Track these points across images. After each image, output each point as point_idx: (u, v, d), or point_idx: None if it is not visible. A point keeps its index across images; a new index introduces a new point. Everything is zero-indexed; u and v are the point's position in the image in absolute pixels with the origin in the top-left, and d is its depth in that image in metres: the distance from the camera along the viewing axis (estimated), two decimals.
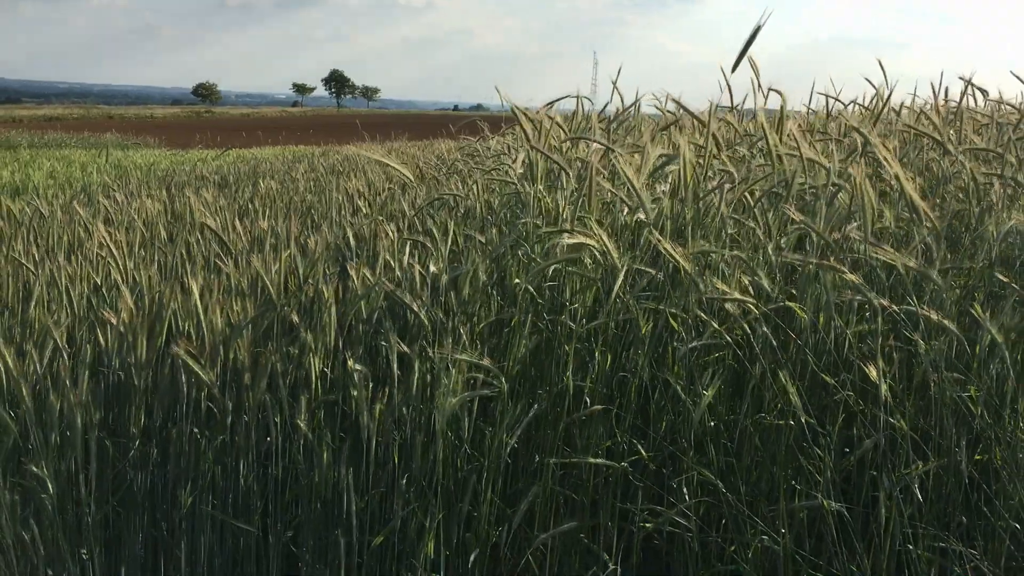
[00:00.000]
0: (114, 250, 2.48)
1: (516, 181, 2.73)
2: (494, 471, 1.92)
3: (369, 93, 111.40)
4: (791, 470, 1.94)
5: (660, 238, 1.76)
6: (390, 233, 2.62)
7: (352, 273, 2.11)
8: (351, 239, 2.97)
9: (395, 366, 1.84)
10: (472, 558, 1.90)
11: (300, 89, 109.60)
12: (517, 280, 2.37)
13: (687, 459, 1.94)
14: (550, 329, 2.06)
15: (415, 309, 1.97)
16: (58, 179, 11.54)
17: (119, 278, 2.46)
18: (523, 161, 3.05)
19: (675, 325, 1.92)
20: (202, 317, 1.95)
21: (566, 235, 1.88)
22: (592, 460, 1.93)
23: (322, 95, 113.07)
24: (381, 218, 3.10)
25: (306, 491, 1.92)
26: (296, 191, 5.67)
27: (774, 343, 1.94)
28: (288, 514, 1.99)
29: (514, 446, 1.95)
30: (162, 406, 2.02)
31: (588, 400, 2.12)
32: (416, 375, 1.88)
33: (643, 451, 2.05)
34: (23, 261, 2.79)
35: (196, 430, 1.99)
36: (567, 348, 2.10)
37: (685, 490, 2.01)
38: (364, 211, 3.83)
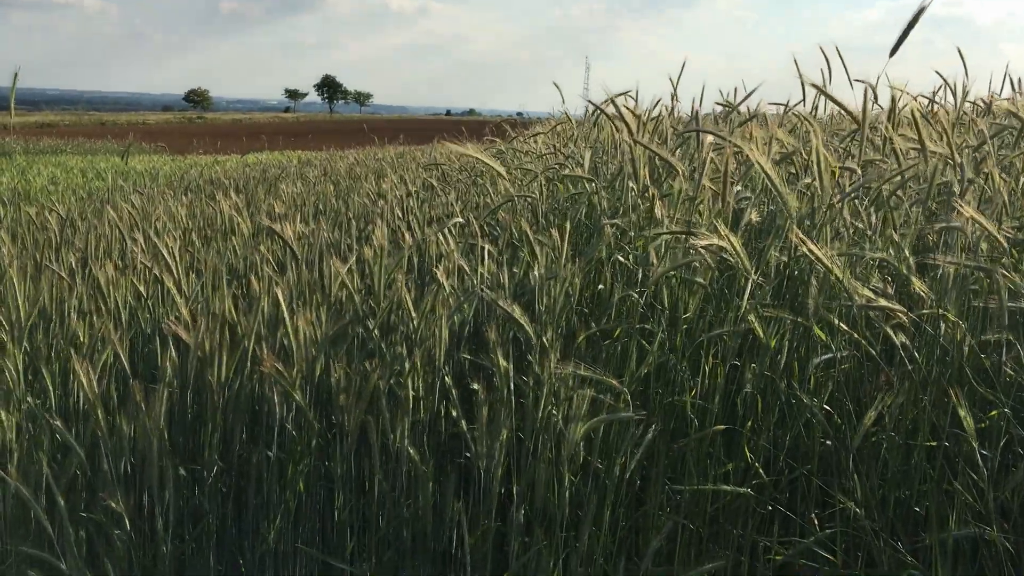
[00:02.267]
0: (167, 256, 2.28)
1: (592, 179, 2.55)
2: (612, 500, 1.73)
3: (362, 98, 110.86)
4: (944, 497, 1.75)
5: (804, 239, 1.57)
6: (448, 240, 2.44)
7: (442, 280, 1.92)
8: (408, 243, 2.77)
9: (510, 386, 1.65)
10: None
11: (292, 95, 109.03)
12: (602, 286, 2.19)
13: (829, 482, 1.76)
14: (668, 343, 1.87)
15: (522, 322, 1.77)
16: (60, 185, 11.33)
17: (172, 287, 2.25)
18: (589, 159, 2.88)
19: (822, 334, 1.74)
20: (289, 330, 1.75)
21: (693, 237, 1.69)
22: (726, 488, 1.74)
23: (314, 101, 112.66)
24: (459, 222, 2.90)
25: (408, 523, 1.73)
26: (322, 194, 5.47)
27: (915, 355, 1.76)
28: (386, 549, 1.79)
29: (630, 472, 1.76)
30: (241, 429, 1.82)
31: (695, 419, 1.94)
32: (531, 396, 1.69)
33: (764, 474, 1.86)
34: (58, 270, 2.59)
35: (281, 455, 1.79)
36: (683, 363, 1.92)
37: (815, 518, 1.83)
38: (411, 214, 3.62)
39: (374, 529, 1.75)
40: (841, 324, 1.74)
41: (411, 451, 1.66)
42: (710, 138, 1.94)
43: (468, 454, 2.04)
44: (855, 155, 2.30)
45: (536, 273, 1.87)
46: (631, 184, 2.10)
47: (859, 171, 1.93)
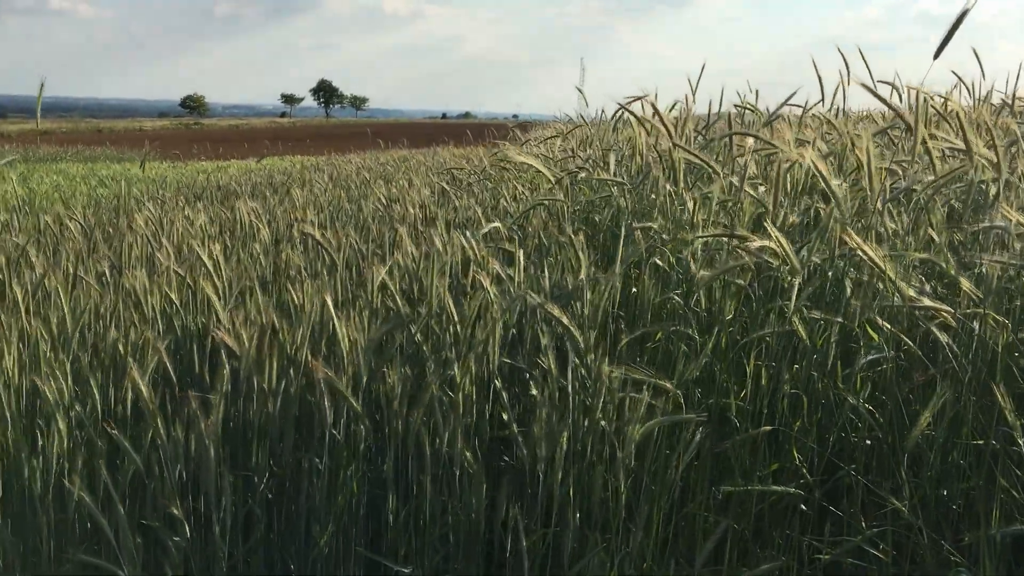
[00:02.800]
0: (208, 262, 2.29)
1: (622, 182, 2.57)
2: (665, 502, 1.75)
3: (358, 102, 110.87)
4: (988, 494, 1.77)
5: (858, 240, 1.59)
6: (475, 245, 2.45)
7: (486, 284, 1.93)
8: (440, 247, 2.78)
9: (571, 387, 1.66)
10: None
11: (288, 100, 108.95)
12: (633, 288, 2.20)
13: (873, 480, 1.77)
14: (716, 343, 1.88)
15: (570, 326, 1.78)
16: (63, 193, 11.32)
17: (212, 294, 2.26)
18: (615, 163, 2.90)
19: (875, 335, 1.75)
20: (340, 335, 1.76)
21: (744, 239, 1.70)
22: (776, 488, 1.76)
23: (310, 105, 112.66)
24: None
25: (461, 526, 1.74)
26: (335, 199, 5.47)
27: (956, 352, 1.77)
28: (436, 552, 1.80)
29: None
30: (291, 436, 1.84)
31: (737, 421, 1.96)
32: (577, 398, 1.70)
33: (808, 475, 1.88)
34: (89, 279, 2.60)
35: (331, 461, 1.80)
36: (724, 365, 1.93)
37: (862, 517, 1.84)
38: (434, 218, 3.63)
39: (425, 532, 1.77)
40: (885, 324, 1.76)
41: (467, 454, 1.67)
42: (750, 141, 1.96)
43: (507, 458, 2.06)
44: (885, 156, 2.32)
45: (582, 277, 1.88)
46: (668, 187, 2.11)
47: (901, 172, 1.94)
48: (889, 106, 1.89)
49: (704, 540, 1.88)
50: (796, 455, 1.82)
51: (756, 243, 1.66)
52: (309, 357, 1.77)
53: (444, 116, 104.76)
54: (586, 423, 1.65)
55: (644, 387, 1.61)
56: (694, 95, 3.20)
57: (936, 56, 1.65)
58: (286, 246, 3.42)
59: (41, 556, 1.81)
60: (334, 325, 1.77)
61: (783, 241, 1.71)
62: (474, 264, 2.37)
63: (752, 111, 3.28)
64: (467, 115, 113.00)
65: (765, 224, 1.72)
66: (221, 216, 4.52)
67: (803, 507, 1.90)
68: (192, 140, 28.49)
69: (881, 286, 1.74)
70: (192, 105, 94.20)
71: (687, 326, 1.92)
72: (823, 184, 1.71)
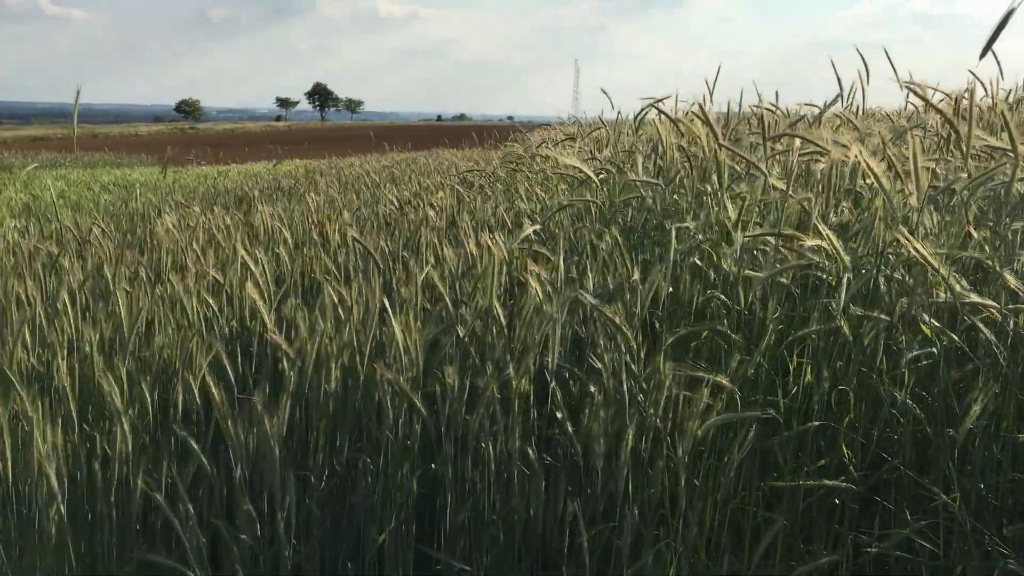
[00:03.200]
0: (253, 266, 2.32)
1: (656, 183, 2.60)
2: (720, 498, 1.78)
3: (353, 105, 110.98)
4: None
5: (910, 238, 1.62)
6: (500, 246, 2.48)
7: (535, 285, 1.96)
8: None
9: (627, 385, 1.69)
10: None
11: (284, 103, 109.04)
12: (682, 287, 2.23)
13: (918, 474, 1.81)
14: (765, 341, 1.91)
15: (622, 326, 1.82)
16: (67, 199, 11.34)
17: (257, 297, 2.29)
18: (642, 163, 2.93)
19: (927, 330, 1.78)
20: (397, 335, 1.79)
21: (797, 239, 1.74)
22: (828, 483, 1.79)
23: (305, 109, 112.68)
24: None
25: (520, 525, 1.77)
26: (349, 202, 5.50)
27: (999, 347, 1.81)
28: (492, 548, 1.83)
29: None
30: (347, 435, 1.87)
31: (780, 418, 1.99)
32: (630, 395, 1.73)
33: (854, 470, 1.91)
34: (123, 285, 2.63)
35: (388, 460, 1.83)
36: (767, 363, 1.97)
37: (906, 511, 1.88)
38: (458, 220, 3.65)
39: (484, 530, 1.80)
40: (932, 321, 1.79)
41: (530, 451, 1.70)
42: (797, 142, 1.99)
43: (547, 456, 2.08)
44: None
45: (635, 277, 1.91)
46: (708, 187, 2.15)
47: (943, 171, 1.98)
48: (935, 108, 1.93)
49: (752, 536, 1.92)
50: (845, 451, 1.85)
51: (810, 242, 1.69)
52: (367, 358, 1.80)
53: (439, 118, 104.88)
54: (645, 421, 1.68)
55: (702, 384, 1.64)
56: (711, 95, 3.24)
57: (982, 56, 1.68)
58: (311, 249, 3.45)
59: (104, 555, 1.84)
60: (391, 326, 1.80)
61: (834, 239, 1.75)
62: (517, 265, 2.40)
63: (773, 111, 3.31)
64: (462, 117, 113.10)
65: (816, 223, 1.75)
66: (240, 220, 4.55)
67: (847, 502, 1.94)
68: (189, 144, 28.49)
69: (930, 283, 1.78)
70: (187, 110, 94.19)
71: (730, 325, 1.96)
72: (873, 183, 1.74)
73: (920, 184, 1.71)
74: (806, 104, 3.27)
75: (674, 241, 1.92)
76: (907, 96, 3.14)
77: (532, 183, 5.06)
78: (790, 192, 1.94)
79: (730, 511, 1.91)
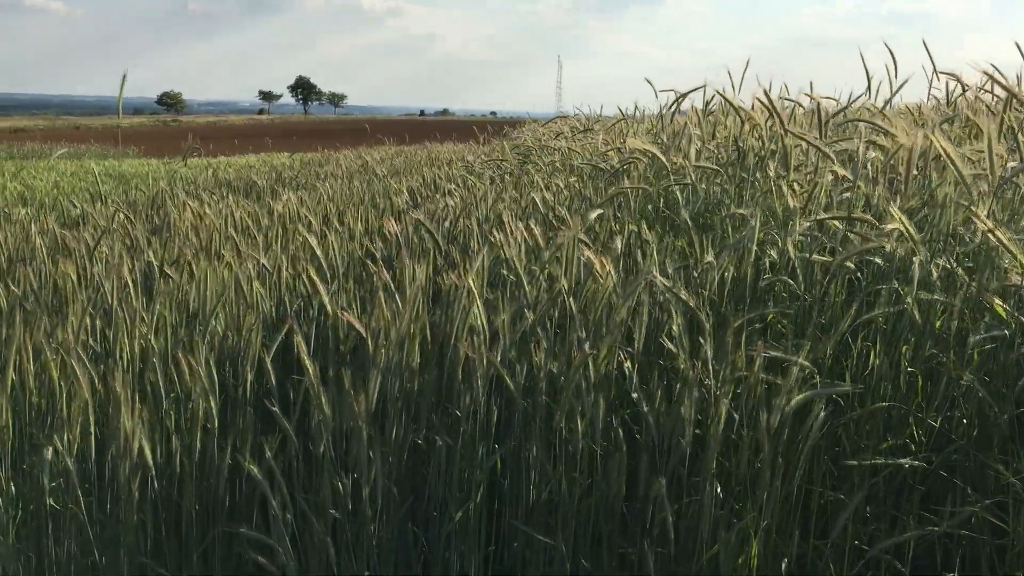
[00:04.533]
0: (314, 244, 2.34)
1: (718, 169, 2.63)
2: (797, 477, 1.81)
3: (336, 99, 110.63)
4: None
5: (987, 221, 1.67)
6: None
7: (609, 270, 1.99)
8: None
9: (712, 366, 1.72)
10: (784, 566, 1.79)
11: (267, 96, 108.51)
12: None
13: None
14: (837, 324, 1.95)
15: (697, 309, 1.85)
16: (62, 188, 11.26)
17: (315, 277, 2.31)
18: (696, 151, 2.95)
19: (1001, 310, 1.82)
20: (479, 316, 1.82)
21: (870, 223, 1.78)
22: (903, 461, 1.83)
23: (287, 102, 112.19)
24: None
25: (603, 500, 1.80)
26: (363, 192, 5.51)
27: None
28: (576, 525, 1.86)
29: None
30: (427, 413, 1.89)
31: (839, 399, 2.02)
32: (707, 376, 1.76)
33: (919, 450, 1.95)
34: (169, 272, 2.64)
35: (469, 439, 1.86)
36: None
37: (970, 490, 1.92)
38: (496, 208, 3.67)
39: (574, 508, 1.82)
40: (1000, 304, 1.83)
41: (620, 430, 1.73)
42: (862, 127, 2.03)
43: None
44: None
45: (709, 260, 1.95)
46: (771, 173, 2.19)
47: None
48: (1018, 98, 1.97)
49: (819, 515, 1.96)
50: (916, 431, 1.89)
51: (891, 225, 1.73)
52: (451, 337, 1.83)
53: (422, 113, 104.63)
54: (736, 400, 1.71)
55: (779, 365, 1.67)
56: (737, 89, 3.28)
57: None
58: (338, 234, 3.45)
59: (186, 531, 1.86)
60: (475, 305, 1.83)
61: (907, 223, 1.78)
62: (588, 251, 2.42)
63: (794, 103, 3.35)
64: (445, 112, 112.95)
65: (889, 207, 1.79)
66: (255, 209, 4.55)
67: (913, 482, 1.98)
68: (172, 137, 28.33)
69: (998, 266, 1.82)
70: (169, 102, 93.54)
71: (800, 309, 1.99)
72: (949, 167, 1.78)
73: (994, 168, 1.75)
74: (825, 97, 3.31)
75: (757, 226, 1.94)
76: (931, 87, 3.21)
77: (543, 174, 5.09)
78: (858, 180, 1.97)
79: (799, 491, 1.95)
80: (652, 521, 1.76)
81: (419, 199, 5.42)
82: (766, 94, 2.17)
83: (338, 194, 5.36)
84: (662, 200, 3.07)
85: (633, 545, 1.85)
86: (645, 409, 1.82)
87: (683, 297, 1.86)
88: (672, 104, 3.35)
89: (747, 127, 2.72)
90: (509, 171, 6.07)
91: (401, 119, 71.68)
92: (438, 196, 5.06)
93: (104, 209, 5.15)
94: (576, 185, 4.02)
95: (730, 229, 2.45)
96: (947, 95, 3.21)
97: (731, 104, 2.52)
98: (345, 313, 1.96)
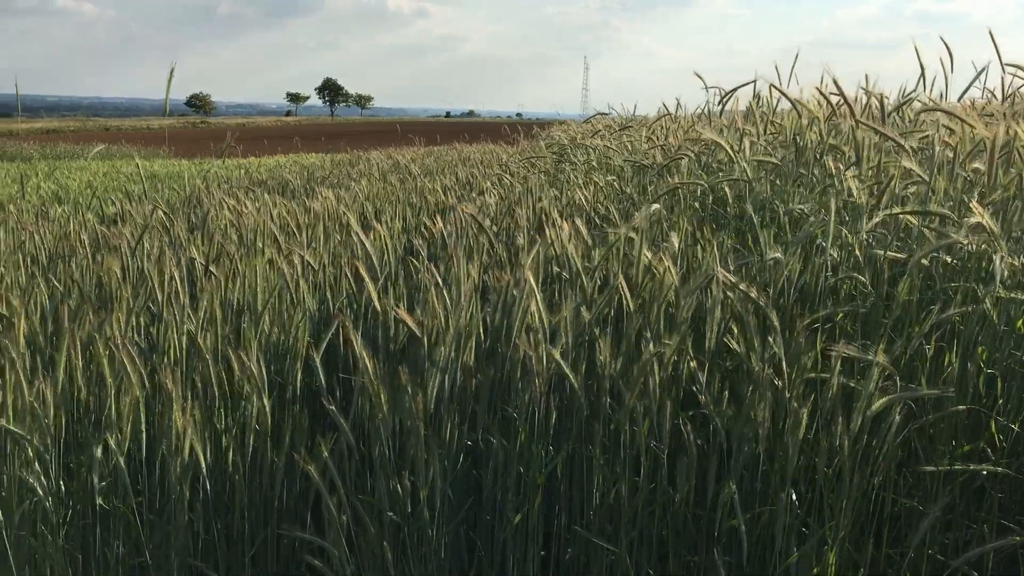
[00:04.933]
0: (363, 239, 2.28)
1: (778, 163, 2.56)
2: (874, 482, 1.73)
3: (363, 101, 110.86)
4: None
5: None
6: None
7: (668, 263, 1.92)
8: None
9: (785, 365, 1.65)
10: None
11: (294, 98, 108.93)
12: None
13: None
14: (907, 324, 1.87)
15: (763, 305, 1.77)
16: (96, 188, 11.31)
17: (364, 273, 2.25)
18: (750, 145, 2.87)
19: None
20: (539, 311, 1.76)
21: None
22: (987, 467, 1.75)
23: (314, 104, 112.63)
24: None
25: (672, 505, 1.73)
26: (398, 191, 5.45)
27: None
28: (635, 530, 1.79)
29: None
30: (485, 412, 1.83)
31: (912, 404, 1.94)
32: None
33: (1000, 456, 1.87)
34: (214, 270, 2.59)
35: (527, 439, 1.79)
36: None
37: None
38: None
39: (637, 510, 1.75)
40: None
41: (691, 433, 1.66)
42: (941, 115, 1.95)
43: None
44: None
45: (779, 257, 1.87)
46: (830, 168, 2.11)
47: None
48: None
49: (891, 523, 1.88)
50: (997, 436, 1.81)
51: (974, 219, 1.65)
52: (513, 335, 1.77)
53: (448, 115, 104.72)
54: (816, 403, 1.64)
55: (861, 366, 1.60)
56: (786, 83, 3.19)
57: None
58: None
59: (237, 532, 1.81)
60: (534, 301, 1.76)
61: (987, 218, 1.70)
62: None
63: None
64: (471, 114, 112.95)
65: (971, 202, 1.71)
66: (293, 206, 4.50)
67: (991, 488, 1.89)
68: (202, 138, 28.47)
69: None
70: (198, 104, 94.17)
71: (873, 308, 1.91)
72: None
73: None
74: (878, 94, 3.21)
75: (833, 220, 1.86)
76: (985, 82, 3.10)
77: (579, 173, 5.02)
78: (934, 173, 1.89)
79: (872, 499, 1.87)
80: (719, 528, 1.69)
81: (455, 198, 5.36)
82: (835, 83, 2.09)
83: (374, 192, 5.31)
84: (710, 197, 2.99)
85: (697, 553, 1.78)
86: (711, 411, 1.75)
87: (752, 295, 1.78)
88: (725, 97, 3.27)
89: (804, 121, 2.64)
90: (544, 170, 6.00)
91: (428, 120, 71.84)
92: (474, 195, 5.00)
93: (140, 208, 5.14)
94: (615, 184, 3.95)
95: (787, 226, 2.37)
96: (1003, 89, 3.12)
97: (786, 96, 2.44)
98: (399, 310, 1.90)
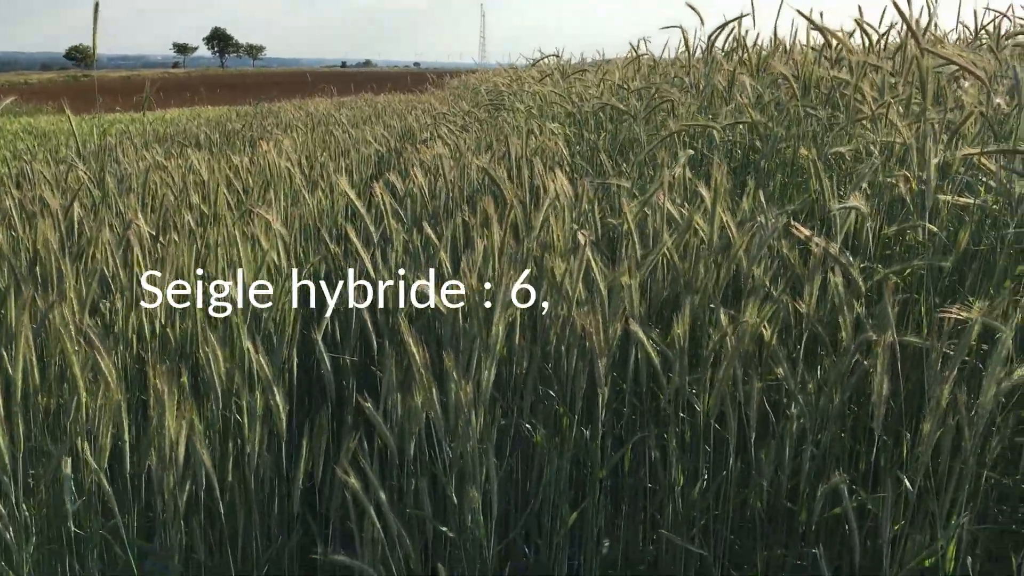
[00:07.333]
0: (354, 198, 1.98)
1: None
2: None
3: (254, 52, 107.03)
4: None
5: None
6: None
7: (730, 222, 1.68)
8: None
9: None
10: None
11: (181, 49, 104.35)
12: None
13: None
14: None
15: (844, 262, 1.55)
16: None
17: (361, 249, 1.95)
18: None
19: None
20: (598, 280, 1.50)
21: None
22: None
23: (203, 55, 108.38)
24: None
25: (761, 496, 1.51)
26: (337, 141, 5.08)
27: None
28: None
29: None
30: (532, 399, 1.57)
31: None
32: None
33: None
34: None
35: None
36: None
37: None
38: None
39: (728, 505, 1.53)
40: None
41: (771, 413, 1.44)
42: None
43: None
44: None
45: (857, 205, 1.65)
46: (863, 107, 1.90)
47: None
48: None
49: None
50: None
51: None
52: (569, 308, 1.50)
53: (344, 65, 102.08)
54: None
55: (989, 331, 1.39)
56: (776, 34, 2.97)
57: None
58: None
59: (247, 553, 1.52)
60: (593, 268, 1.50)
61: None
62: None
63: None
64: (368, 63, 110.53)
65: None
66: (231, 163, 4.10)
67: None
68: (85, 91, 26.89)
69: None
70: (78, 56, 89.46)
71: (957, 261, 1.72)
72: None
73: None
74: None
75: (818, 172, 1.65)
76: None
77: (523, 121, 4.74)
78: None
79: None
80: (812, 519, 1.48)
81: (399, 149, 5.03)
82: (896, 6, 1.85)
83: (308, 145, 4.93)
84: (702, 144, 2.76)
85: (782, 547, 1.57)
86: (793, 386, 1.53)
87: (832, 252, 1.56)
88: (716, 32, 3.00)
89: (810, 57, 2.43)
90: (479, 119, 5.69)
91: (323, 71, 69.87)
92: (419, 146, 4.67)
93: (43, 167, 4.64)
94: (570, 133, 3.69)
95: (822, 173, 2.15)
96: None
97: (812, 23, 2.20)
98: (424, 284, 1.62)
